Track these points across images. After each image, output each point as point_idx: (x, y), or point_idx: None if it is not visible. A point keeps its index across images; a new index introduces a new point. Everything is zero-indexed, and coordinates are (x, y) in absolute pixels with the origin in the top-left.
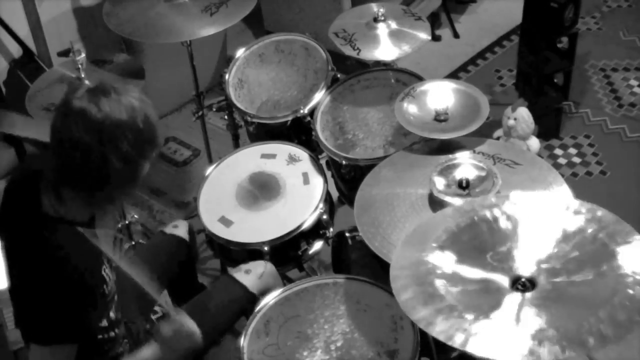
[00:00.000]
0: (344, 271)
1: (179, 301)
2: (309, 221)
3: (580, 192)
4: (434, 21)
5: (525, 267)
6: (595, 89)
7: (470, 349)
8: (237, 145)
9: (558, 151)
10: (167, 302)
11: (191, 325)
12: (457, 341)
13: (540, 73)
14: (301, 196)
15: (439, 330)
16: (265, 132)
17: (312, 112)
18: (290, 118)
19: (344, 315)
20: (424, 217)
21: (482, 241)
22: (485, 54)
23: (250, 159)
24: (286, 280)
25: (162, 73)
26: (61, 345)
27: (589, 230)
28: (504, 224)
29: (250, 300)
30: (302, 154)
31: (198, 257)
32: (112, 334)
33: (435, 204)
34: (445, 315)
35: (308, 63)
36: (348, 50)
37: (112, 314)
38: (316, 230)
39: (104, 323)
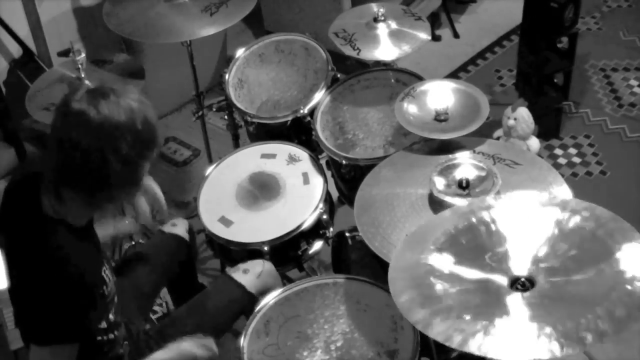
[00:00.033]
0: (344, 271)
1: (179, 301)
2: (309, 221)
3: (580, 192)
4: (434, 21)
5: (524, 266)
6: (595, 89)
7: (470, 349)
8: (237, 145)
9: (558, 151)
10: (168, 302)
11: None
12: (455, 342)
13: (540, 73)
14: (301, 196)
15: (436, 331)
16: (265, 132)
17: (312, 112)
18: (290, 118)
19: (344, 315)
20: (423, 218)
21: (480, 242)
22: (485, 54)
23: (250, 159)
24: (286, 280)
25: (162, 73)
26: (61, 346)
27: (587, 229)
28: (502, 224)
29: (249, 299)
30: (302, 154)
31: (198, 256)
32: (111, 335)
33: (435, 204)
34: (444, 317)
35: (308, 63)
36: (348, 50)
37: (111, 316)
38: (316, 230)
39: (104, 324)
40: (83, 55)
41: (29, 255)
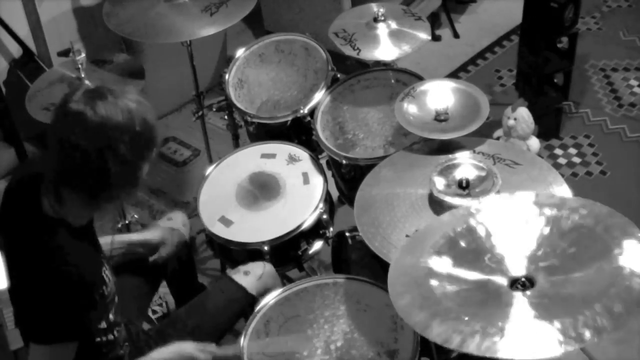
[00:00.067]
0: (344, 271)
1: (179, 301)
2: (309, 221)
3: (580, 192)
4: (434, 21)
5: (523, 266)
6: (595, 89)
7: (470, 348)
8: (237, 145)
9: (558, 151)
10: (168, 302)
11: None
12: (454, 342)
13: (540, 73)
14: (301, 196)
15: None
16: (265, 132)
17: (312, 112)
18: (290, 118)
19: (344, 315)
20: (423, 218)
21: (479, 244)
22: (485, 54)
23: (250, 159)
24: (286, 280)
25: (162, 73)
26: (61, 344)
27: (586, 226)
28: (501, 226)
29: (249, 301)
30: (302, 153)
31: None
32: (110, 336)
33: (435, 204)
34: (444, 318)
35: (308, 63)
36: (348, 50)
37: (111, 316)
38: (316, 230)
39: (103, 325)
40: (83, 55)
41: (29, 255)
